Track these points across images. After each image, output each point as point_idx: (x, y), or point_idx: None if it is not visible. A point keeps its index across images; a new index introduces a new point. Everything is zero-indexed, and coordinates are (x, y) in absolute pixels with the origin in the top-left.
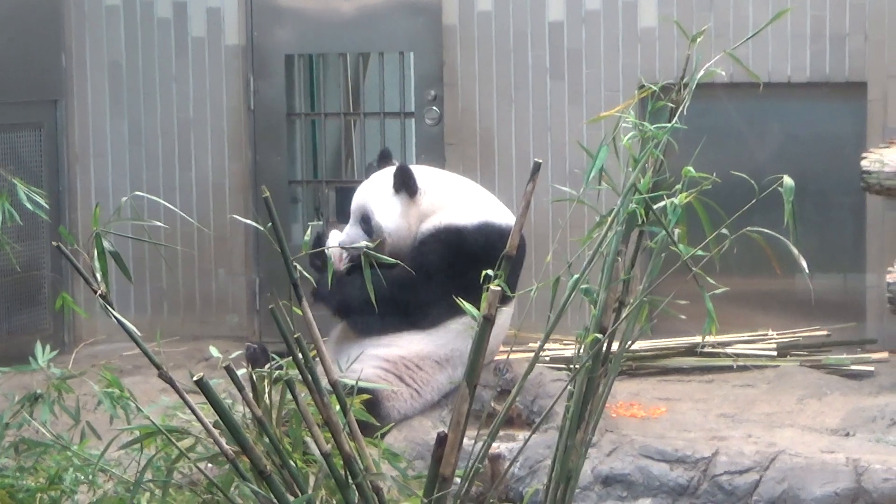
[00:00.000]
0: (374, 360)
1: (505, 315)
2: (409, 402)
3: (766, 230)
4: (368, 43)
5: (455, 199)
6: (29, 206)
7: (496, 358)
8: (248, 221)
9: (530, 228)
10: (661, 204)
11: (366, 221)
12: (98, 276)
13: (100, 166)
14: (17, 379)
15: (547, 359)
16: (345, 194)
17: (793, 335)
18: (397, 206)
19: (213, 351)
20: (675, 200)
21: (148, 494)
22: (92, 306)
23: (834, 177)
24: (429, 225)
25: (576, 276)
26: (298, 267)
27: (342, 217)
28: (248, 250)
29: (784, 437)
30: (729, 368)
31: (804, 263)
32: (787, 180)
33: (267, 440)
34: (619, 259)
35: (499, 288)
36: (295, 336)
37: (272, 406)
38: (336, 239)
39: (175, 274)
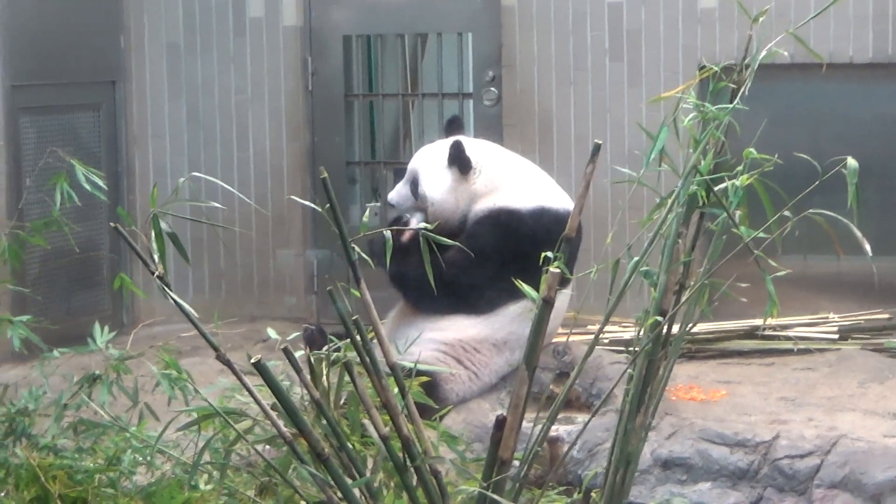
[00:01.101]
0: (432, 344)
1: (563, 298)
2: (467, 385)
3: (829, 212)
4: (426, 23)
5: (511, 182)
6: (87, 187)
7: (555, 340)
8: (306, 202)
9: (588, 210)
10: (723, 186)
11: (414, 185)
12: (156, 257)
13: (158, 147)
14: (75, 360)
15: (606, 341)
16: (402, 176)
17: (854, 318)
18: (447, 180)
19: (271, 333)
20: (737, 182)
21: (206, 476)
22: (151, 287)
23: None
24: (483, 206)
25: (636, 258)
26: (356, 248)
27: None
28: (306, 231)
29: (845, 421)
30: (789, 351)
31: (867, 246)
32: (851, 161)
33: (325, 423)
34: (680, 241)
35: (558, 270)
36: (353, 318)
37: (330, 388)
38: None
39: (233, 255)
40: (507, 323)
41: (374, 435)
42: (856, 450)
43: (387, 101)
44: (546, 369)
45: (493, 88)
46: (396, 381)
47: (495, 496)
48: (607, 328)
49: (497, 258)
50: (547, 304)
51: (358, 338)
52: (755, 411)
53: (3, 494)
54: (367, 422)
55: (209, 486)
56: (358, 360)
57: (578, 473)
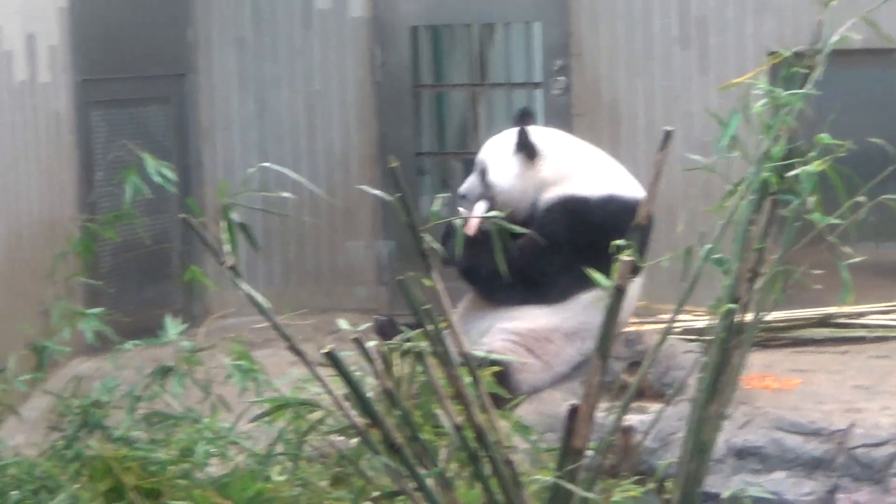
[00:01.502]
0: (503, 334)
1: (635, 286)
2: (538, 375)
3: None
4: (494, 13)
5: (579, 169)
6: (158, 179)
7: (626, 329)
8: (377, 192)
9: (658, 198)
10: (795, 172)
11: (483, 174)
12: (227, 248)
13: (227, 140)
14: (146, 352)
15: (678, 330)
16: (472, 166)
17: None
18: (514, 167)
19: (342, 323)
20: (809, 168)
21: (279, 467)
22: (222, 279)
23: None
24: (552, 195)
25: (708, 245)
26: (428, 238)
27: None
28: (376, 222)
29: None
30: (863, 339)
31: None
32: None
33: (397, 413)
34: (752, 228)
35: (630, 258)
36: (424, 307)
37: (402, 379)
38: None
39: (303, 246)
40: (579, 312)
41: (447, 425)
42: None
43: (455, 91)
44: (618, 358)
45: (561, 78)
46: (469, 370)
47: (569, 485)
48: (680, 317)
49: (567, 247)
50: (619, 292)
51: (430, 327)
52: (830, 400)
53: (77, 486)
54: (439, 412)
55: (282, 477)
56: (430, 350)
57: (651, 463)
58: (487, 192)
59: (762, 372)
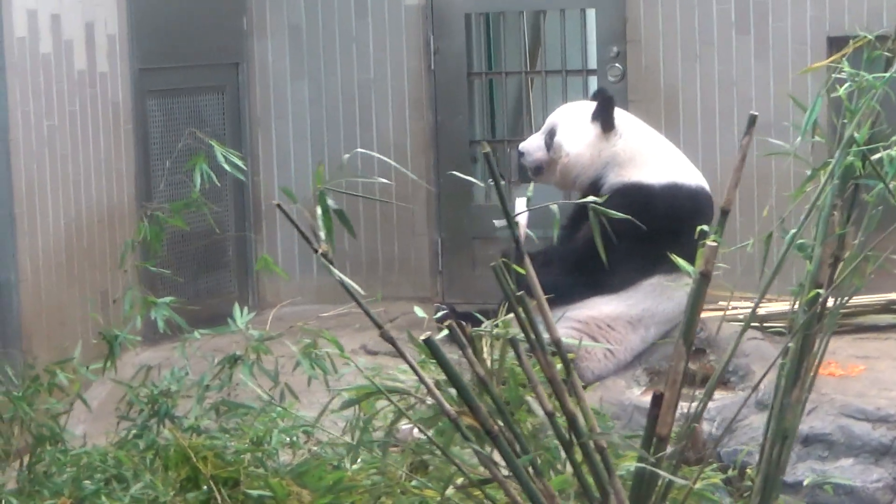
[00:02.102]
0: (566, 322)
1: None
2: (602, 363)
3: None
4: (548, 0)
5: (647, 154)
6: (227, 167)
7: None
8: (467, 177)
9: (717, 185)
10: (878, 156)
11: (550, 135)
12: (322, 234)
13: (281, 129)
14: (207, 342)
15: (741, 318)
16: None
17: None
18: (587, 134)
19: (418, 311)
20: (893, 152)
21: (351, 456)
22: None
23: None
24: (617, 180)
25: (793, 231)
26: (521, 225)
27: (524, 177)
28: (430, 211)
29: None
30: None
31: None
32: None
33: (489, 400)
34: (835, 213)
35: (716, 244)
36: (518, 293)
37: (492, 365)
38: (522, 206)
39: (357, 235)
40: (642, 299)
41: (539, 412)
42: None
43: (510, 78)
44: None
45: (617, 64)
46: (561, 357)
47: (660, 471)
48: (738, 304)
49: (630, 234)
50: (705, 277)
51: (522, 314)
52: (895, 386)
53: (152, 476)
54: (530, 398)
55: (355, 466)
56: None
57: (717, 451)
58: (552, 153)
59: (825, 358)
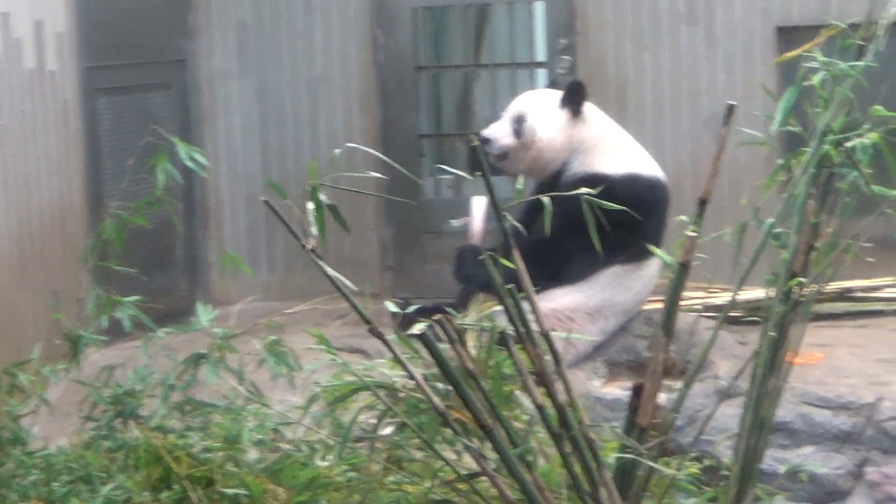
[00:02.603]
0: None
1: (654, 265)
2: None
3: None
4: None
5: (609, 143)
6: (191, 164)
7: (647, 308)
8: (456, 171)
9: (668, 176)
10: (851, 144)
11: (518, 122)
12: (314, 229)
13: (228, 126)
14: (161, 341)
15: (700, 308)
16: (475, 148)
17: None
18: (558, 120)
19: (390, 306)
20: (866, 140)
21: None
22: (224, 268)
23: None
24: (579, 170)
25: (770, 220)
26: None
27: (474, 171)
28: (380, 206)
29: None
30: (881, 313)
31: None
32: None
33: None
34: (810, 202)
35: (696, 234)
36: (508, 286)
37: (478, 359)
38: (480, 207)
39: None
40: (600, 290)
41: (529, 405)
42: None
43: (458, 72)
44: (640, 337)
45: (566, 57)
46: (551, 350)
47: (649, 462)
48: (695, 294)
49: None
50: (684, 268)
51: (512, 307)
52: (854, 373)
53: (123, 477)
54: (517, 391)
55: (325, 463)
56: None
57: (679, 441)
58: (522, 140)
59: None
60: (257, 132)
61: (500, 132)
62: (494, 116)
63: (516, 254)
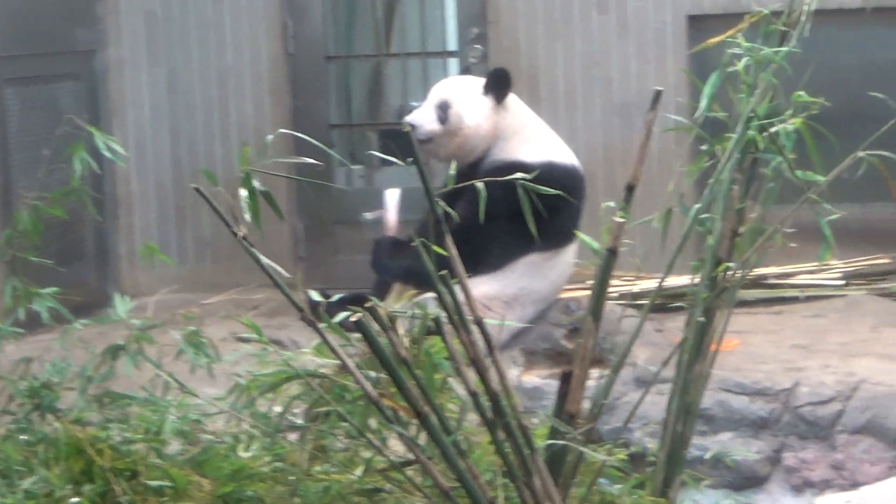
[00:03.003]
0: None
1: (570, 253)
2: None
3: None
4: None
5: (528, 131)
6: (108, 154)
7: (563, 296)
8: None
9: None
10: (774, 129)
11: (443, 108)
12: (247, 217)
13: (137, 116)
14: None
15: (615, 295)
16: (387, 137)
17: (856, 264)
18: (483, 107)
19: (314, 295)
20: (789, 126)
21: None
22: (134, 258)
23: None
24: (498, 157)
25: (697, 205)
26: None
27: (386, 161)
28: (291, 197)
29: (862, 366)
30: (795, 299)
31: None
32: None
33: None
34: (734, 187)
35: (623, 220)
36: (440, 273)
37: (411, 347)
38: (394, 199)
39: (218, 222)
40: (517, 279)
41: (461, 392)
42: (877, 394)
43: (369, 61)
44: (557, 325)
45: (477, 46)
46: (484, 336)
47: (583, 448)
48: (619, 283)
49: (506, 214)
50: (612, 254)
51: (447, 295)
52: (770, 360)
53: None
54: (451, 379)
55: (248, 454)
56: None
57: (596, 428)
58: (447, 126)
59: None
60: (167, 122)
61: (424, 118)
62: (406, 107)
63: (449, 240)
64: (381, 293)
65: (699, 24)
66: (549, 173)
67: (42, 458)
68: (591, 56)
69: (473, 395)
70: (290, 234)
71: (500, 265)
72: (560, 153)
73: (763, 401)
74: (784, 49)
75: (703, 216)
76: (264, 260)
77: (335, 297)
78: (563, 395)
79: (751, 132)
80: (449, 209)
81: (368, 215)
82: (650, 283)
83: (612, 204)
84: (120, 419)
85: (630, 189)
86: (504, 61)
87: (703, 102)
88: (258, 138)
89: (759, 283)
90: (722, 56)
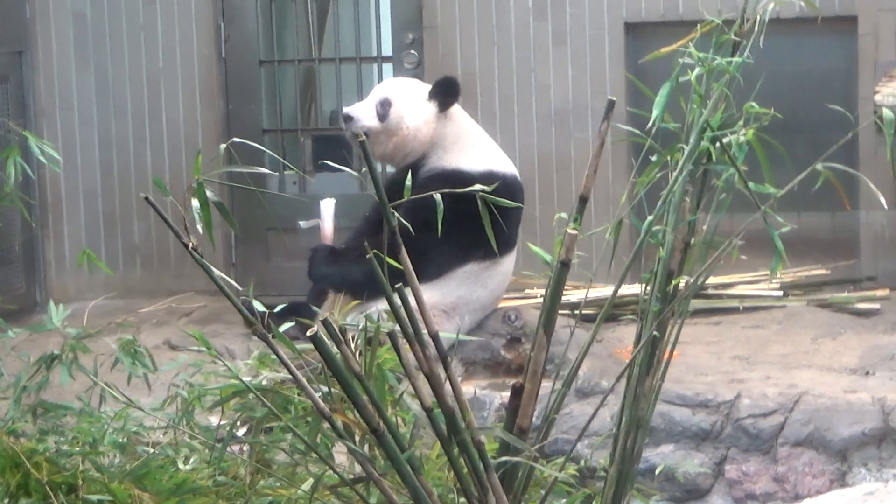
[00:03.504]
0: (377, 313)
1: (508, 262)
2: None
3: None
4: None
5: (469, 140)
6: (43, 159)
7: (502, 305)
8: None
9: (523, 175)
10: (726, 140)
11: (383, 106)
12: (199, 227)
13: (66, 119)
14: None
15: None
16: (320, 143)
17: (793, 275)
18: (425, 111)
19: (258, 305)
20: (741, 137)
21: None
22: (62, 265)
23: (825, 113)
24: (437, 164)
25: (650, 217)
26: (396, 215)
27: (319, 167)
28: (223, 202)
29: (803, 377)
30: (734, 310)
31: (883, 200)
32: (888, 113)
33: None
34: (686, 199)
35: (576, 231)
36: (396, 287)
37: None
38: (329, 208)
39: (147, 228)
40: (456, 287)
41: (416, 408)
42: (819, 406)
43: (302, 66)
44: (497, 335)
45: (413, 51)
46: (439, 351)
47: (536, 465)
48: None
49: (445, 223)
50: (565, 266)
51: (401, 307)
52: (711, 371)
53: None
54: (406, 394)
55: (188, 467)
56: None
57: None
58: (386, 124)
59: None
60: (96, 126)
61: (363, 112)
62: (339, 112)
63: (403, 255)
64: (318, 302)
65: (637, 32)
66: (489, 182)
67: None
68: (528, 63)
69: (428, 410)
70: (222, 240)
71: (438, 274)
72: (500, 162)
73: (705, 413)
74: (737, 59)
75: (655, 228)
76: (216, 272)
77: (278, 308)
78: (513, 409)
79: (704, 143)
80: (404, 221)
81: (303, 224)
82: (582, 294)
83: (563, 215)
84: (55, 430)
85: (583, 200)
86: (440, 67)
87: (656, 112)
88: (189, 143)
89: (698, 293)
90: (663, 64)
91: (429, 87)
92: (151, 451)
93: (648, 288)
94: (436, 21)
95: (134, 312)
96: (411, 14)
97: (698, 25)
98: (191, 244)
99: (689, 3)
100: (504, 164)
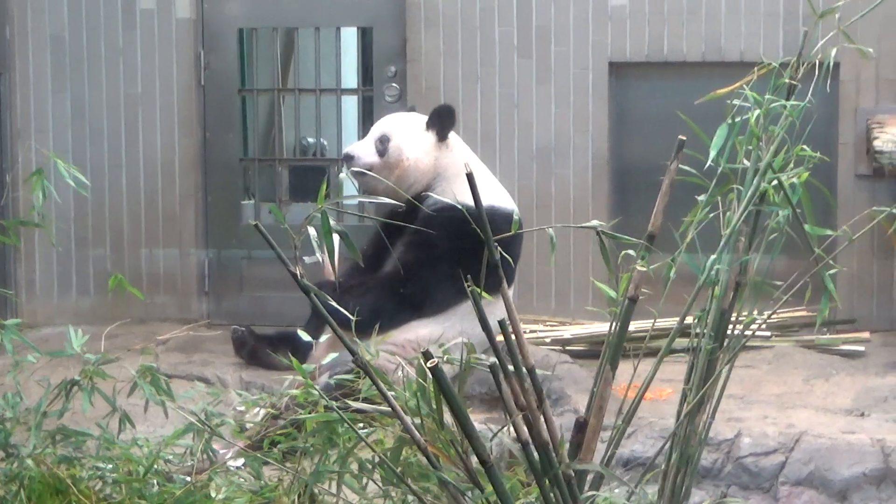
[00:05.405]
0: (382, 346)
1: (510, 296)
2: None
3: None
4: (324, 17)
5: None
6: (71, 183)
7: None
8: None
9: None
10: (775, 182)
11: (382, 142)
12: (318, 255)
13: (41, 142)
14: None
15: (548, 341)
16: (298, 173)
17: (777, 316)
18: (424, 142)
19: (303, 335)
20: (796, 179)
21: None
22: (34, 289)
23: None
24: (439, 198)
25: (713, 256)
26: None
27: (297, 196)
28: (198, 230)
29: (800, 417)
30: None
31: None
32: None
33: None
34: (742, 239)
35: (644, 269)
36: (500, 320)
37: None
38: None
39: (120, 254)
40: (458, 322)
41: (507, 441)
42: (819, 446)
43: (282, 95)
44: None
45: (394, 84)
46: (534, 384)
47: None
48: (540, 328)
49: (448, 258)
50: (632, 302)
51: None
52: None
53: None
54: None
55: (220, 497)
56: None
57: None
58: (386, 158)
59: (632, 382)
60: (71, 150)
61: (363, 150)
62: (305, 142)
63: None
64: (315, 334)
65: (620, 71)
66: (492, 217)
67: (12, 499)
68: (511, 99)
69: (525, 444)
70: (196, 268)
71: (442, 309)
72: (501, 197)
73: (705, 450)
74: (798, 103)
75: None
76: (321, 308)
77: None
78: (577, 444)
79: (765, 184)
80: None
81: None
82: (579, 329)
83: (631, 252)
84: (86, 457)
85: (651, 238)
86: (423, 100)
87: (713, 153)
88: (167, 169)
89: (686, 331)
90: (644, 102)
91: (425, 118)
92: (185, 478)
93: (700, 325)
94: (419, 55)
95: (152, 339)
96: (395, 47)
97: (755, 68)
98: (298, 272)
99: (673, 44)
100: (504, 200)
